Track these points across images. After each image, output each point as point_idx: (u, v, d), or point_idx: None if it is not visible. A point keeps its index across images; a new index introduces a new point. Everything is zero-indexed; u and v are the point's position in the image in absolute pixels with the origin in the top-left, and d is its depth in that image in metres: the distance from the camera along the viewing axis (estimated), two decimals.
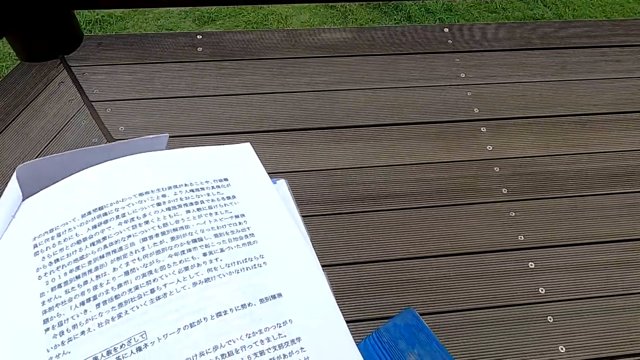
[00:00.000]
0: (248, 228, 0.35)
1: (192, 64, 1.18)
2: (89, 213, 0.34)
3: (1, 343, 0.28)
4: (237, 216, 0.36)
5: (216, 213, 0.36)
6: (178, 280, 0.30)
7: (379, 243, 0.94)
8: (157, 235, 0.33)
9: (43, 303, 0.30)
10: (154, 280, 0.30)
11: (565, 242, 0.97)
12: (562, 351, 0.85)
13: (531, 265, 0.94)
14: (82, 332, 0.28)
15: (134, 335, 0.28)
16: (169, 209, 0.35)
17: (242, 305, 0.29)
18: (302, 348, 0.28)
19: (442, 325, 0.86)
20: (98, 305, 0.29)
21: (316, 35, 1.27)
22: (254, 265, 0.32)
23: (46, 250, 0.34)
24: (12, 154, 1.04)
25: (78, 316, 0.29)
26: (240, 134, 1.09)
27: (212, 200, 0.37)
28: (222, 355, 0.27)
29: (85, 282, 0.30)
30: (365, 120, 1.13)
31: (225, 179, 0.39)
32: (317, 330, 0.29)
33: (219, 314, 0.28)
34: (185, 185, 0.37)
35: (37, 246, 0.34)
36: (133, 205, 0.34)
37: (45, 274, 0.32)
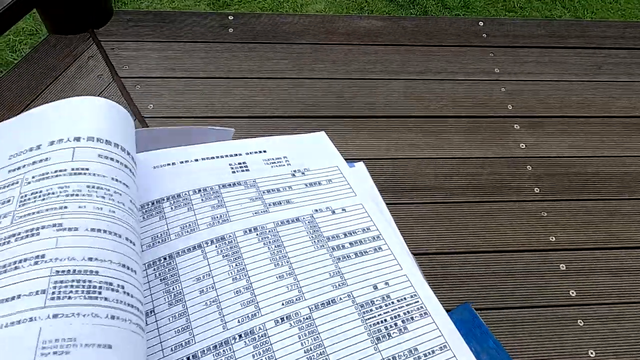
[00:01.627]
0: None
1: (222, 45, 1.17)
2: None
3: None
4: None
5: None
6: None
7: (408, 236, 0.93)
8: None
9: None
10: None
11: (598, 245, 0.95)
12: (591, 355, 0.84)
13: (562, 267, 0.92)
14: None
15: None
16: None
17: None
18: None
19: None
20: None
21: (350, 22, 1.24)
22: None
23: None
24: None
25: None
26: (269, 118, 1.08)
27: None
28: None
29: None
30: (397, 111, 1.11)
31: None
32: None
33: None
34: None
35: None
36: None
37: None
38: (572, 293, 0.90)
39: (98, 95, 1.08)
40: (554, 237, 0.96)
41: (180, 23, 1.19)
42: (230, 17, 1.21)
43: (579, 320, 0.87)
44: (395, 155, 1.04)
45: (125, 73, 1.11)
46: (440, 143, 1.07)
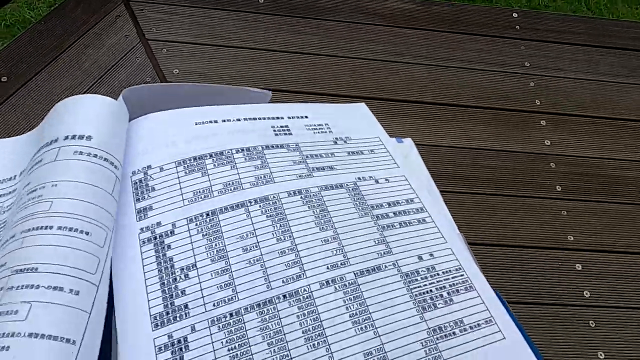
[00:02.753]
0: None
1: (253, 15, 1.15)
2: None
3: None
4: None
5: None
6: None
7: None
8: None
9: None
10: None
11: (617, 249, 0.94)
12: (600, 357, 0.83)
13: (578, 267, 0.91)
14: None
15: None
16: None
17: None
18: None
19: None
20: None
21: (380, 2, 1.22)
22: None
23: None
24: (64, 82, 1.02)
25: None
26: (293, 93, 1.06)
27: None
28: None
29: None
30: (420, 97, 1.10)
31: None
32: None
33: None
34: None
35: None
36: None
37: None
38: (586, 294, 0.89)
39: (124, 56, 1.07)
40: (572, 237, 0.95)
41: None
42: None
43: (590, 322, 0.86)
44: (416, 141, 1.03)
45: (152, 35, 1.10)
46: (463, 132, 1.06)
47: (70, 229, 0.26)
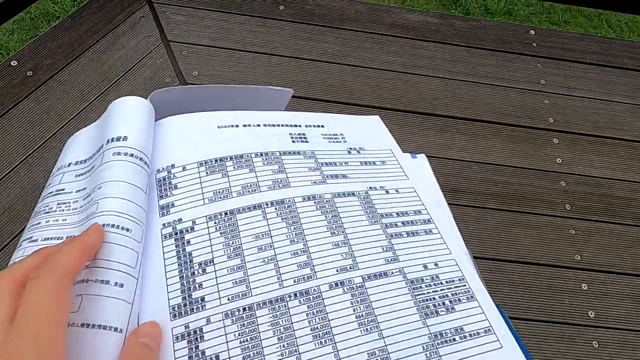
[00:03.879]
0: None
1: (272, 21, 1.17)
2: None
3: None
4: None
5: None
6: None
7: None
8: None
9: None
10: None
11: (624, 271, 0.94)
12: None
13: (584, 287, 0.92)
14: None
15: None
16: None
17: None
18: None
19: None
20: None
21: (399, 14, 1.24)
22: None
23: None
24: (87, 79, 1.05)
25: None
26: (310, 100, 1.08)
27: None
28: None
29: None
30: (435, 109, 1.11)
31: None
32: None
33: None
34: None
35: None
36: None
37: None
38: (591, 314, 0.89)
39: (146, 56, 1.10)
40: (579, 256, 0.95)
41: None
42: None
43: (594, 342, 0.86)
44: (428, 153, 1.04)
45: (174, 37, 1.12)
46: (475, 147, 1.07)
47: (113, 226, 0.28)
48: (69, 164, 0.35)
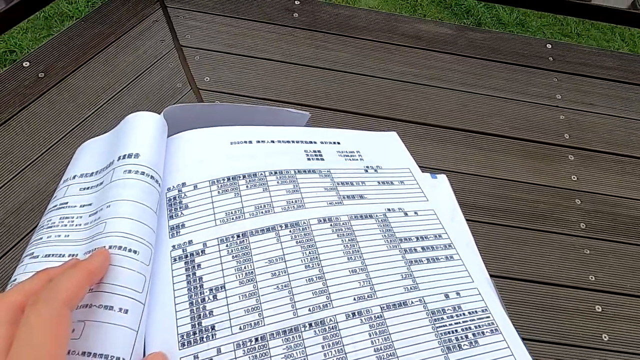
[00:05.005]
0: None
1: (285, 29, 1.16)
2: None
3: None
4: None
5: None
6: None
7: None
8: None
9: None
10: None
11: (639, 293, 0.91)
12: None
13: (598, 308, 0.89)
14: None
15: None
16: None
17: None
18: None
19: None
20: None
21: (418, 25, 1.22)
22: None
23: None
24: (97, 83, 1.04)
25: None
26: (320, 109, 1.07)
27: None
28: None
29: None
30: (451, 122, 1.09)
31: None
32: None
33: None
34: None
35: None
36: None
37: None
38: (605, 337, 0.87)
39: (158, 60, 1.09)
40: (593, 277, 0.93)
41: (246, 1, 1.19)
42: (297, 2, 1.20)
43: None
44: (441, 166, 1.02)
45: (187, 42, 1.12)
46: (489, 161, 1.05)
47: (120, 247, 0.26)
48: (74, 177, 0.33)
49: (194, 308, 0.27)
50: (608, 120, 1.14)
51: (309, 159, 0.37)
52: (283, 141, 0.38)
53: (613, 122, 1.13)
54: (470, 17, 2.42)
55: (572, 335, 0.86)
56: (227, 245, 0.30)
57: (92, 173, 0.33)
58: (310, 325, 0.27)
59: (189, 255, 0.29)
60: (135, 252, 0.27)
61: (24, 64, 1.02)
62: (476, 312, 0.30)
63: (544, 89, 1.17)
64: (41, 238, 0.30)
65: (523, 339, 0.88)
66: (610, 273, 0.94)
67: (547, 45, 1.24)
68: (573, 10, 1.15)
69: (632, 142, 1.11)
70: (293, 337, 0.27)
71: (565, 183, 1.03)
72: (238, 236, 0.30)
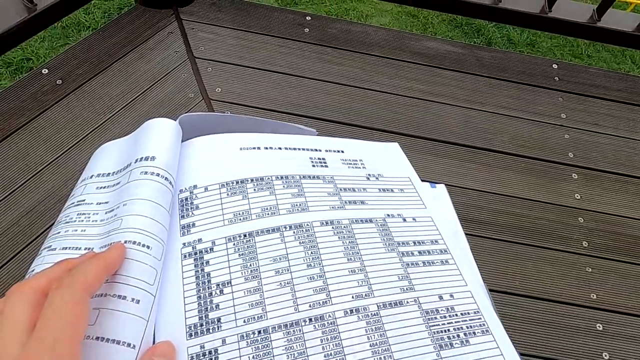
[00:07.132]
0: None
1: (296, 43, 1.19)
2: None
3: None
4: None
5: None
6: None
7: None
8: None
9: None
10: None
11: None
12: None
13: (599, 327, 0.90)
14: None
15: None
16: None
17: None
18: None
19: None
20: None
21: (426, 42, 1.25)
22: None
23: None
24: (113, 91, 1.07)
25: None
26: (329, 122, 1.09)
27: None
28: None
29: None
30: (455, 138, 1.11)
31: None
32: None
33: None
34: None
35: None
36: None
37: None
38: (605, 356, 0.87)
39: (171, 70, 1.12)
40: (595, 295, 0.93)
41: (259, 15, 1.23)
42: (308, 18, 1.24)
43: None
44: (445, 181, 1.03)
45: (200, 53, 1.15)
46: (493, 178, 1.06)
47: (135, 242, 0.28)
48: (92, 176, 0.36)
49: (202, 301, 0.29)
50: (613, 140, 1.15)
51: (313, 166, 0.39)
52: (290, 148, 0.40)
53: (618, 142, 1.15)
54: (480, 37, 2.45)
55: (573, 352, 0.86)
56: (234, 244, 0.32)
57: (110, 173, 0.35)
58: (310, 320, 0.29)
59: (198, 252, 0.31)
60: (148, 247, 0.29)
61: (42, 71, 1.05)
62: (468, 313, 0.32)
63: (549, 107, 1.18)
64: (59, 232, 0.32)
65: (522, 355, 0.89)
66: (611, 292, 0.94)
67: (554, 65, 1.26)
68: (582, 32, 1.17)
69: (636, 162, 1.12)
70: (294, 330, 0.28)
71: (569, 201, 1.04)
72: (245, 236, 0.32)
